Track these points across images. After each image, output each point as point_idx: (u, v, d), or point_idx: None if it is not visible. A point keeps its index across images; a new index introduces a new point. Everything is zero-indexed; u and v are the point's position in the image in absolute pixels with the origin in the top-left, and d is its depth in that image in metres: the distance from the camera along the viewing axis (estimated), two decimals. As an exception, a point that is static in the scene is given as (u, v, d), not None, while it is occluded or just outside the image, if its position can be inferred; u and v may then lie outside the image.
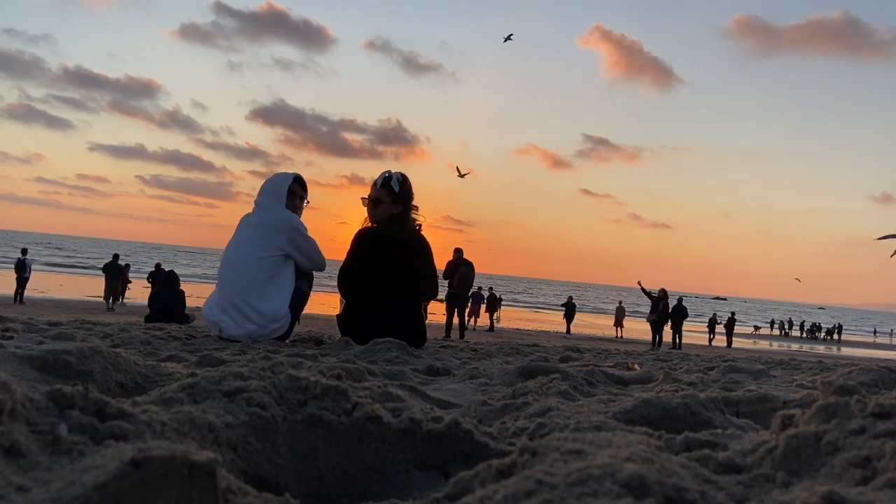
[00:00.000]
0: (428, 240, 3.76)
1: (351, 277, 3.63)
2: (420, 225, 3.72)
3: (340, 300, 3.87)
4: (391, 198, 3.63)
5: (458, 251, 14.19)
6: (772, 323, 42.32)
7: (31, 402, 0.68)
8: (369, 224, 3.72)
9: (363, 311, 3.56)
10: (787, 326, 40.44)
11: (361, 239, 3.66)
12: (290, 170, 3.88)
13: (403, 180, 3.70)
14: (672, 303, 19.51)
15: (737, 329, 27.27)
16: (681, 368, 3.05)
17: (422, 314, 3.79)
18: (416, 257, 3.64)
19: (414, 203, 3.72)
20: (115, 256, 19.55)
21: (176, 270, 11.35)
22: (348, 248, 3.70)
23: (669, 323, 19.50)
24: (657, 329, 19.20)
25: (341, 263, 3.72)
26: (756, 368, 2.78)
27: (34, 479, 0.56)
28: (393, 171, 3.73)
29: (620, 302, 26.38)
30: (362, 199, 3.75)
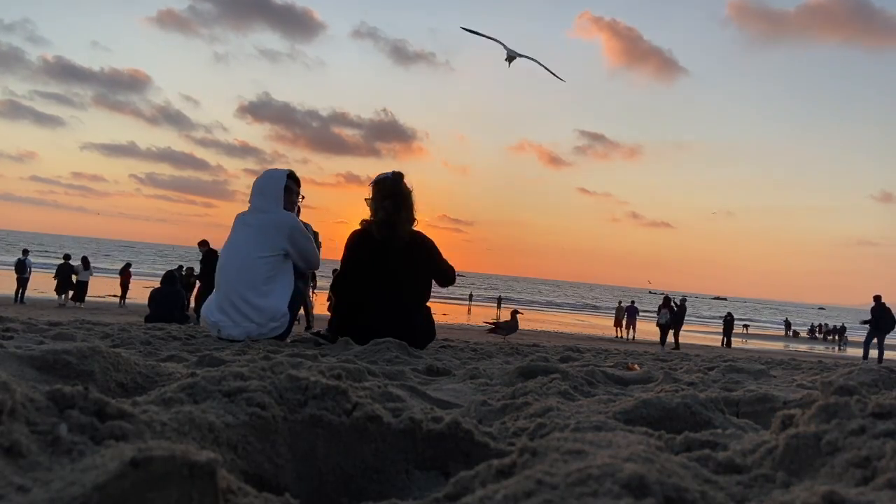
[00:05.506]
0: (426, 235, 3.74)
1: (342, 284, 3.66)
2: (415, 222, 3.68)
3: (329, 296, 3.90)
4: (381, 198, 3.62)
5: None
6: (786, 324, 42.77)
7: (31, 402, 0.68)
8: (367, 223, 3.72)
9: (357, 316, 3.57)
10: (792, 328, 40.96)
11: (352, 243, 3.68)
12: (286, 168, 3.87)
13: (394, 181, 3.68)
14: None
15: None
16: (681, 368, 3.05)
17: (426, 313, 3.75)
18: (413, 258, 3.62)
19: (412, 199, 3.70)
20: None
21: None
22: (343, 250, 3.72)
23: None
24: (666, 332, 19.55)
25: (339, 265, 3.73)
26: (756, 368, 2.78)
27: (34, 479, 0.56)
28: (394, 170, 3.73)
29: (620, 302, 26.38)
30: (365, 199, 3.75)
